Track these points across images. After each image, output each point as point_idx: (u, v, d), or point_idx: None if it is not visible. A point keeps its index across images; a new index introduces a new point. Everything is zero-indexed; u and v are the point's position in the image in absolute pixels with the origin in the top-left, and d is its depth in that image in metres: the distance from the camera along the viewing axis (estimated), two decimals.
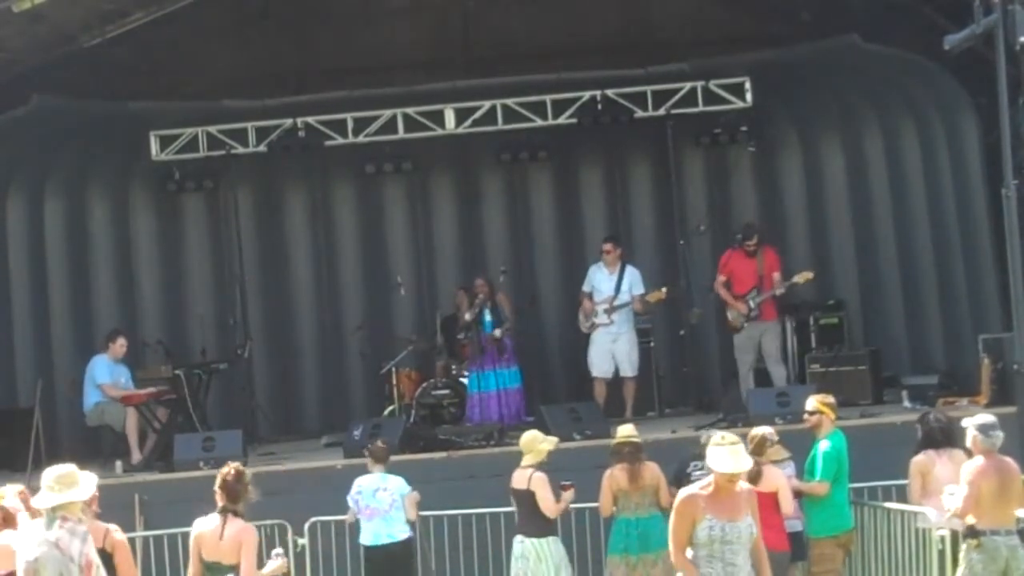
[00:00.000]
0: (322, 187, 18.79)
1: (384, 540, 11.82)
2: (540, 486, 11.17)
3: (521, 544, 11.21)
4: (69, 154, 17.43)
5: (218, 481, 8.66)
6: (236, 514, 8.53)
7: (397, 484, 11.92)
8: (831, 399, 11.41)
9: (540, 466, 11.25)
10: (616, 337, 15.98)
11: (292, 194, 18.80)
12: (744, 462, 8.17)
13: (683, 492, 8.24)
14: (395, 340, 17.42)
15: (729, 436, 8.19)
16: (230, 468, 8.67)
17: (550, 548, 11.22)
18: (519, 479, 11.27)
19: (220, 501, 8.59)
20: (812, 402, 11.29)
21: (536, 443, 11.33)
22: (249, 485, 8.63)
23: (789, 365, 16.52)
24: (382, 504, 11.84)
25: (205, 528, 8.61)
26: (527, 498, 11.20)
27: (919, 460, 10.62)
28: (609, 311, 15.92)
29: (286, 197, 18.79)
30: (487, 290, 16.05)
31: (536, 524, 11.22)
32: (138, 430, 15.07)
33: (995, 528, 9.38)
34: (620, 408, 15.77)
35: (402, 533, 11.87)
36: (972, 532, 9.41)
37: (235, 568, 8.48)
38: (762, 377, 15.65)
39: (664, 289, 15.94)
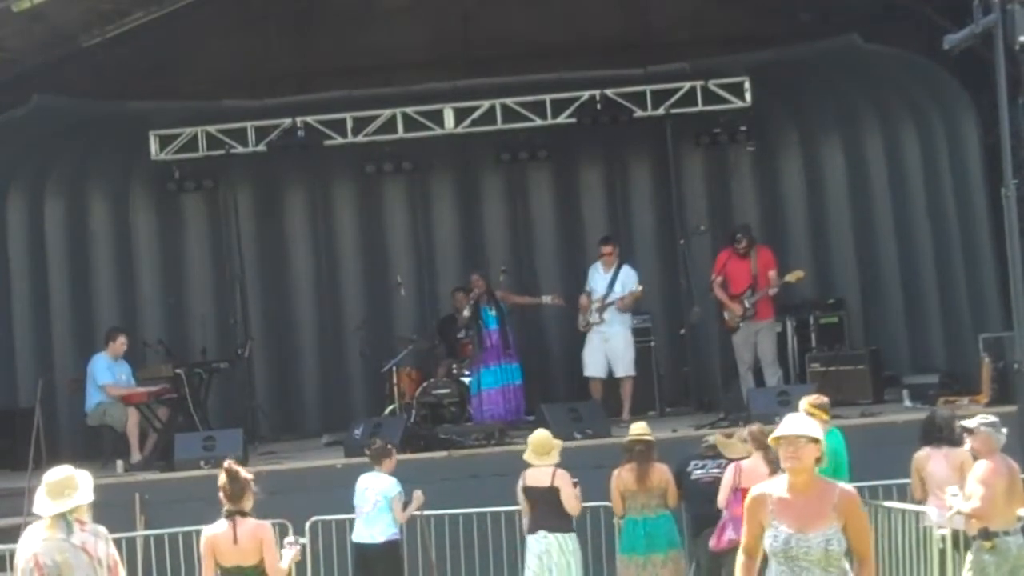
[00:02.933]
0: (322, 187, 18.80)
1: (365, 540, 11.81)
2: (565, 482, 11.25)
3: (545, 539, 11.21)
4: (69, 154, 17.43)
5: (219, 486, 8.63)
6: (244, 514, 8.50)
7: (384, 485, 11.88)
8: (823, 400, 11.36)
9: (557, 465, 11.33)
10: (608, 337, 15.98)
11: (292, 194, 18.81)
12: (805, 426, 6.63)
13: (754, 489, 6.89)
14: (395, 339, 17.42)
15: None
16: (224, 469, 8.64)
17: (571, 544, 11.30)
18: (539, 477, 11.27)
19: (224, 504, 8.56)
20: (804, 404, 11.28)
21: (552, 443, 11.39)
22: (247, 482, 8.58)
23: (789, 366, 16.57)
24: (366, 504, 11.84)
25: (215, 533, 8.56)
26: (550, 495, 11.23)
27: (917, 456, 10.64)
28: (600, 309, 15.94)
29: (286, 197, 18.79)
30: (483, 285, 16.09)
31: (559, 520, 11.28)
32: (139, 430, 15.07)
33: (1006, 529, 9.38)
34: (618, 408, 15.77)
35: (383, 536, 11.80)
36: (986, 534, 9.40)
37: (256, 568, 8.46)
38: (761, 379, 15.71)
39: (640, 287, 15.95)
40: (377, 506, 11.78)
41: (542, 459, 11.31)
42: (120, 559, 7.79)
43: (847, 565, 6.59)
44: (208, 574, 8.57)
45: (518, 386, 15.85)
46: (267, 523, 8.64)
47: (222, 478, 8.54)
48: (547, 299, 16.56)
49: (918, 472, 10.60)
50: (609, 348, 15.97)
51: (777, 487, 6.65)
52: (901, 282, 17.25)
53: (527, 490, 11.33)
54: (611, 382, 16.08)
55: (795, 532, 6.49)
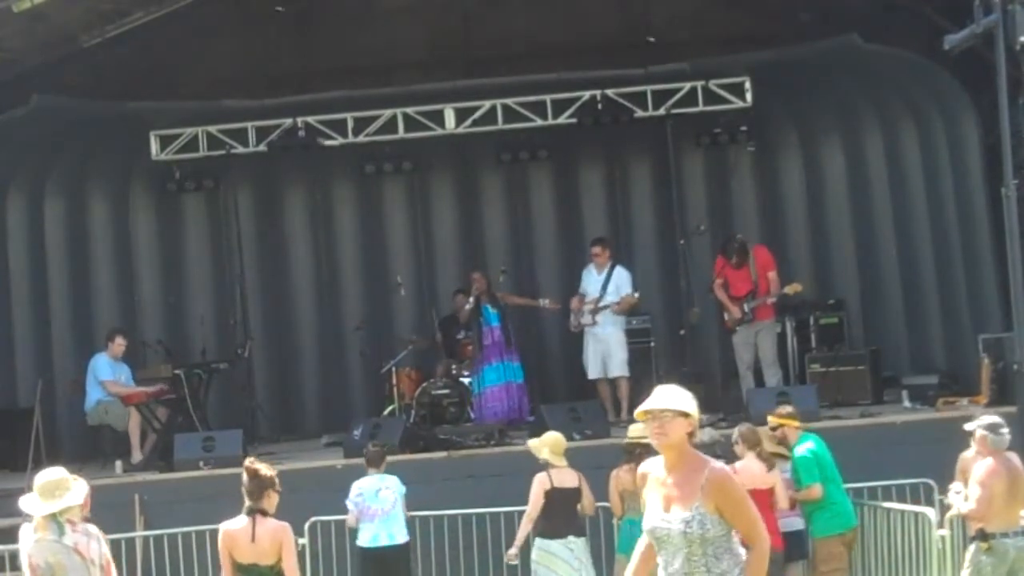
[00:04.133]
0: (322, 187, 18.79)
1: (383, 542, 11.74)
2: (585, 484, 11.30)
3: (575, 543, 11.19)
4: (69, 154, 17.43)
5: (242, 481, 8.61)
6: (265, 514, 8.48)
7: (395, 482, 11.91)
8: (787, 409, 11.47)
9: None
10: (601, 338, 16.01)
11: (292, 194, 18.80)
12: (671, 399, 6.06)
13: (641, 467, 6.43)
14: (395, 340, 17.42)
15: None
16: (246, 467, 8.61)
17: (588, 547, 11.34)
18: (566, 478, 11.26)
19: (246, 501, 8.55)
20: (770, 421, 11.36)
21: (564, 444, 11.41)
22: (267, 480, 8.55)
23: (789, 367, 16.55)
24: (385, 503, 11.79)
25: (234, 529, 8.54)
26: (575, 497, 11.25)
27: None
28: (593, 311, 15.96)
29: (286, 197, 18.79)
30: (484, 282, 16.08)
31: (579, 523, 11.33)
32: (139, 430, 15.07)
33: (1004, 530, 9.36)
34: (615, 409, 15.78)
35: (401, 536, 11.80)
36: (982, 535, 9.38)
37: (273, 568, 8.45)
38: (761, 379, 15.72)
39: (636, 294, 15.98)
40: (396, 504, 11.78)
41: (560, 459, 11.30)
42: (112, 559, 7.80)
43: (740, 550, 6.05)
44: (226, 569, 8.55)
45: (520, 385, 15.86)
46: (287, 525, 8.63)
47: (244, 478, 8.53)
48: (544, 302, 16.57)
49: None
50: (603, 349, 16.00)
51: (658, 465, 6.24)
52: (901, 282, 17.23)
53: (553, 492, 11.24)
54: (612, 382, 16.08)
55: (661, 512, 6.08)
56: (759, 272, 15.58)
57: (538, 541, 11.27)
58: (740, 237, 16.18)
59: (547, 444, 11.39)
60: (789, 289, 15.47)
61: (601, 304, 15.97)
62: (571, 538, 11.21)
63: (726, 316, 15.75)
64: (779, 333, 16.37)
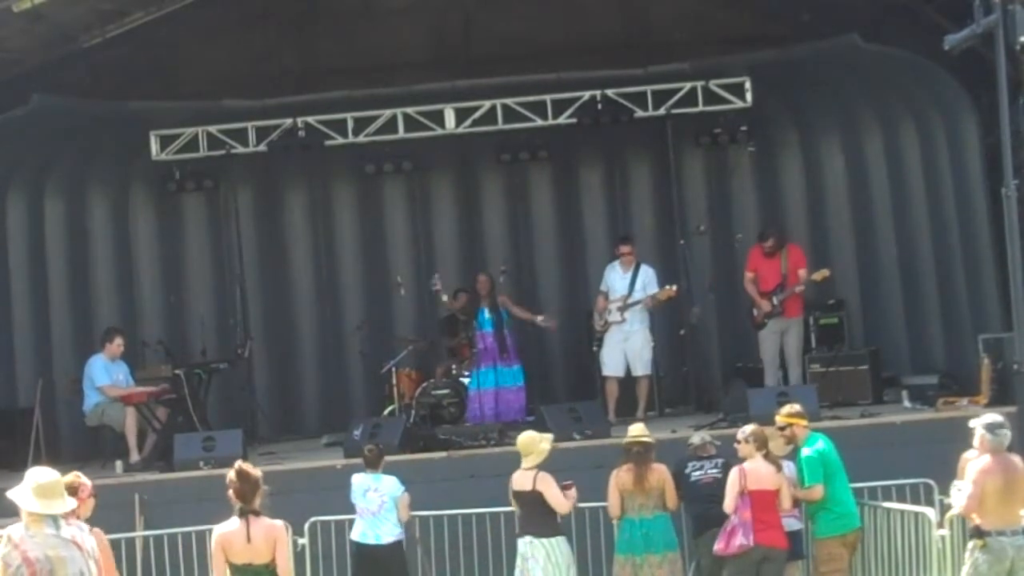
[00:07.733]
0: (322, 187, 18.79)
1: (370, 540, 11.79)
2: (547, 485, 11.16)
3: (530, 544, 11.15)
4: (69, 154, 17.43)
5: (227, 484, 8.61)
6: (257, 513, 8.49)
7: (389, 486, 11.88)
8: (795, 407, 11.45)
9: (542, 466, 11.24)
10: (628, 336, 15.99)
11: (292, 194, 18.80)
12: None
13: None
14: (395, 340, 17.42)
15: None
16: (234, 469, 8.61)
17: (560, 548, 11.20)
18: (522, 480, 11.22)
19: (236, 503, 8.55)
20: (778, 419, 11.35)
21: (536, 444, 11.28)
22: (257, 481, 8.57)
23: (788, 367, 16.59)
24: (371, 505, 11.82)
25: (228, 531, 8.54)
26: (534, 499, 11.17)
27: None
28: (622, 309, 15.96)
29: (286, 197, 18.78)
30: (487, 285, 16.04)
31: (545, 524, 11.21)
32: (137, 430, 15.06)
33: (1001, 528, 9.35)
34: (632, 407, 15.79)
35: (389, 536, 11.80)
36: (978, 532, 9.39)
37: (268, 567, 8.46)
38: (757, 378, 15.71)
39: (674, 287, 15.96)
40: (384, 507, 11.79)
41: (525, 460, 11.27)
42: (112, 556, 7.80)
43: None
44: (219, 571, 8.56)
45: (518, 388, 15.82)
46: (280, 523, 8.64)
47: (231, 476, 8.52)
48: (540, 319, 16.53)
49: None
50: (628, 346, 15.97)
51: None
52: (901, 282, 17.24)
53: (513, 494, 11.31)
54: (626, 381, 16.07)
55: None
56: (790, 267, 15.67)
57: None
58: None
59: (518, 443, 11.42)
60: (817, 275, 15.55)
61: (630, 301, 15.95)
62: (528, 538, 11.17)
63: (755, 311, 15.79)
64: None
